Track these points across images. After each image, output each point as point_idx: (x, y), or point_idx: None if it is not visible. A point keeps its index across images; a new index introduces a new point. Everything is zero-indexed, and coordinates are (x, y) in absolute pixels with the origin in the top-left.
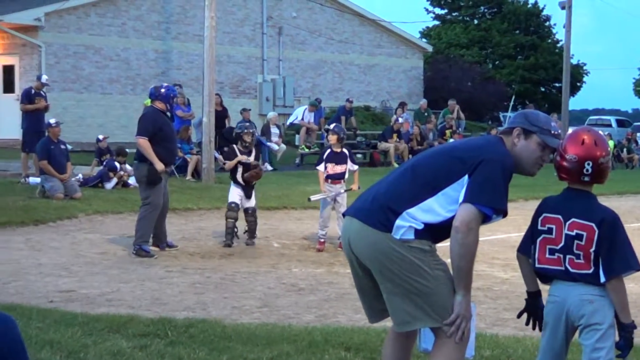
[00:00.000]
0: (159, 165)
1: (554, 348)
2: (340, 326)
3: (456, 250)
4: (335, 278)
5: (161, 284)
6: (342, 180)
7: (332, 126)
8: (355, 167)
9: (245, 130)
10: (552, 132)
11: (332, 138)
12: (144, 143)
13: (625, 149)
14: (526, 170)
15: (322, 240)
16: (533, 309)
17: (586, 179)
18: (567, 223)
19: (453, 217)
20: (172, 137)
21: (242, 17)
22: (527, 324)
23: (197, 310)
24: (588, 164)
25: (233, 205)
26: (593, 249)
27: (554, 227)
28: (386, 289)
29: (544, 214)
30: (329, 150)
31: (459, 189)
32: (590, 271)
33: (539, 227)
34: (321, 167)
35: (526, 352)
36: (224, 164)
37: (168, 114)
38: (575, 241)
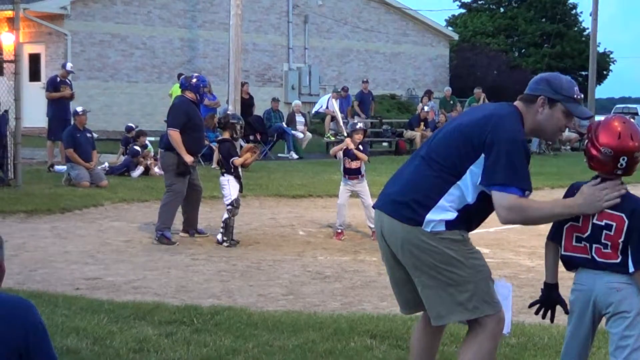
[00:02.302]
0: (188, 158)
1: (580, 336)
2: (366, 314)
3: (535, 222)
4: (361, 266)
5: (187, 272)
6: (359, 176)
7: (358, 125)
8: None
9: (240, 122)
10: (576, 97)
11: (358, 137)
12: (176, 136)
13: None
14: (548, 137)
15: (339, 230)
16: (548, 301)
17: (619, 172)
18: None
19: (482, 199)
20: (201, 127)
21: (268, 5)
22: (536, 313)
23: (223, 297)
24: (623, 159)
25: (239, 202)
26: (622, 239)
27: (580, 215)
28: (421, 283)
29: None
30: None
31: (480, 167)
32: (618, 260)
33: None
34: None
35: (552, 340)
36: (230, 162)
37: (198, 104)
38: (604, 231)
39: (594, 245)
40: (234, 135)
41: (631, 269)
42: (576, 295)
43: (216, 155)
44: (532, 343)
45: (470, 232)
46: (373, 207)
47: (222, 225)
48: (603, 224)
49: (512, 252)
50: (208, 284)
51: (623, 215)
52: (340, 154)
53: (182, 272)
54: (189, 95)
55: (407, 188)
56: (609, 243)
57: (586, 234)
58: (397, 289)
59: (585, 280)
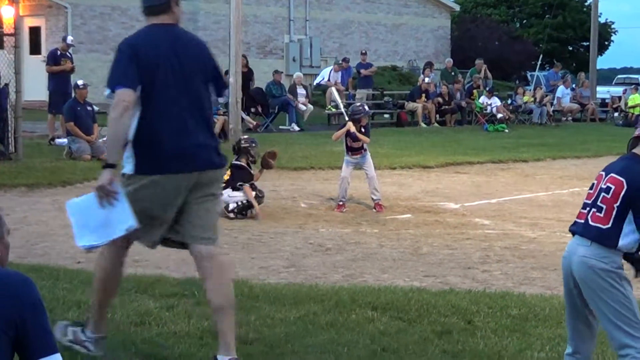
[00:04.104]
0: None
1: (572, 303)
2: (367, 286)
3: None
4: (362, 238)
5: None
6: (362, 151)
7: (362, 110)
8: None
9: (253, 145)
10: None
11: (364, 121)
12: None
13: None
14: None
15: (341, 203)
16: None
17: None
18: (607, 177)
19: None
20: None
21: None
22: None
23: None
24: None
25: (263, 192)
26: (617, 204)
27: (595, 182)
28: None
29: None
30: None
31: None
32: (608, 226)
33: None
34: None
35: (553, 311)
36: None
37: None
38: (603, 194)
39: (592, 210)
40: (249, 159)
41: (620, 241)
42: (562, 262)
43: (217, 128)
44: (534, 314)
45: (471, 203)
46: None
47: (242, 202)
48: (605, 186)
49: (513, 223)
50: None
51: (624, 180)
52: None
53: None
54: None
55: None
56: (604, 206)
57: (592, 199)
58: None
59: (569, 247)
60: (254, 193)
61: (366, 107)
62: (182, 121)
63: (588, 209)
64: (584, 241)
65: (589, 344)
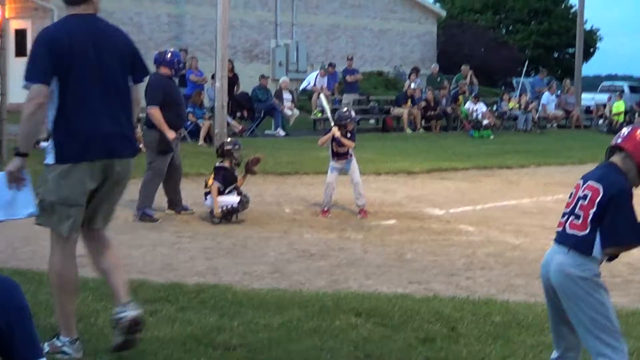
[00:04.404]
0: (170, 134)
1: (554, 308)
2: (351, 292)
3: None
4: (347, 244)
5: (172, 249)
6: (348, 156)
7: (348, 115)
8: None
9: (237, 147)
10: None
11: (350, 127)
12: (156, 112)
13: (637, 114)
14: None
15: (326, 208)
16: None
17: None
18: (584, 185)
19: None
20: (180, 102)
21: None
22: None
23: (208, 275)
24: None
25: (248, 197)
26: (594, 209)
27: (573, 191)
28: None
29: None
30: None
31: None
32: (584, 233)
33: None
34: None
35: (536, 318)
36: (222, 190)
37: (174, 79)
38: (580, 201)
39: (570, 217)
40: (233, 162)
41: (600, 250)
42: (541, 270)
43: (203, 132)
44: (517, 321)
45: (456, 210)
46: None
47: (226, 206)
48: (583, 194)
49: (497, 230)
50: (193, 261)
51: (601, 187)
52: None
53: (167, 249)
54: (164, 70)
55: None
56: (582, 213)
57: (570, 207)
58: None
59: (548, 254)
60: (238, 198)
61: (353, 113)
62: (97, 110)
63: (567, 217)
64: (562, 248)
65: (575, 348)
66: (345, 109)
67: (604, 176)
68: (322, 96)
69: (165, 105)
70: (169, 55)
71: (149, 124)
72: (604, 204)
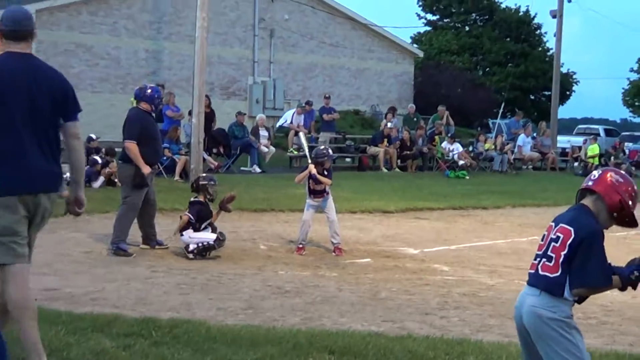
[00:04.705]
0: (145, 169)
1: (528, 350)
2: (325, 329)
3: None
4: (321, 281)
5: (146, 284)
6: (325, 194)
7: (325, 152)
8: (329, 181)
9: (212, 183)
10: None
11: (327, 165)
12: (132, 147)
13: (612, 157)
14: None
15: (301, 245)
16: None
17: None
18: (556, 228)
19: None
20: (157, 137)
21: (234, 18)
22: None
23: (182, 310)
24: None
25: (224, 235)
26: (565, 252)
27: (545, 233)
28: None
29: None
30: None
31: None
32: (555, 275)
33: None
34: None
35: (510, 358)
36: (199, 225)
37: (153, 114)
38: (552, 243)
39: (542, 260)
40: (207, 198)
41: (566, 293)
42: (514, 313)
43: (178, 168)
44: None
45: (431, 249)
46: None
47: (202, 243)
48: (555, 236)
49: (472, 270)
50: (167, 296)
51: (572, 229)
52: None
53: (141, 284)
54: (144, 106)
55: None
56: (554, 255)
57: (543, 249)
58: None
59: (520, 298)
60: (215, 235)
61: (330, 151)
62: (25, 146)
63: (539, 259)
64: (534, 291)
65: None
66: (322, 146)
67: (575, 218)
68: (300, 134)
69: (142, 140)
70: (149, 90)
71: (125, 158)
72: (575, 246)
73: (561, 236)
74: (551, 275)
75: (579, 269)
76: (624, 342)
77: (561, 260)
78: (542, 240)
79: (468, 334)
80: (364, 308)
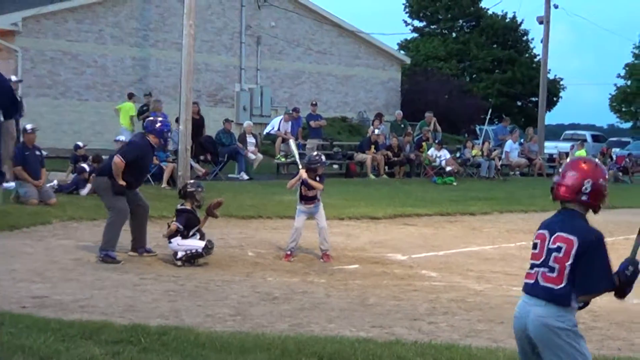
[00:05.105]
0: (121, 182)
1: (527, 359)
2: (314, 335)
3: None
4: (310, 287)
5: (135, 291)
6: (316, 201)
7: (323, 158)
8: (321, 186)
9: (199, 189)
10: None
11: (320, 170)
12: (120, 165)
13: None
14: None
15: (289, 252)
16: None
17: (583, 197)
18: (552, 237)
19: None
20: (145, 172)
21: (221, 25)
22: None
23: (171, 317)
24: (587, 182)
25: (212, 243)
26: (570, 262)
27: (538, 242)
28: None
29: (537, 231)
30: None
31: None
32: (560, 286)
33: (533, 243)
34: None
35: None
36: (187, 232)
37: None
38: (554, 253)
39: (542, 269)
40: (194, 204)
41: (572, 300)
42: (514, 322)
43: (166, 175)
44: None
45: (419, 255)
46: None
47: (190, 250)
48: (555, 246)
49: (460, 275)
50: (156, 303)
51: (575, 238)
52: (298, 182)
53: (130, 291)
54: (152, 139)
55: None
56: (557, 266)
57: (540, 260)
58: None
59: (521, 308)
60: (203, 243)
61: (323, 158)
62: None
63: (537, 269)
64: (538, 301)
65: None
66: (315, 153)
67: (574, 227)
68: (290, 141)
69: (133, 167)
70: (158, 124)
71: (101, 172)
72: (580, 255)
73: (563, 246)
74: (556, 287)
75: (586, 276)
76: (612, 346)
77: (566, 271)
78: (534, 248)
79: (456, 339)
80: (352, 314)
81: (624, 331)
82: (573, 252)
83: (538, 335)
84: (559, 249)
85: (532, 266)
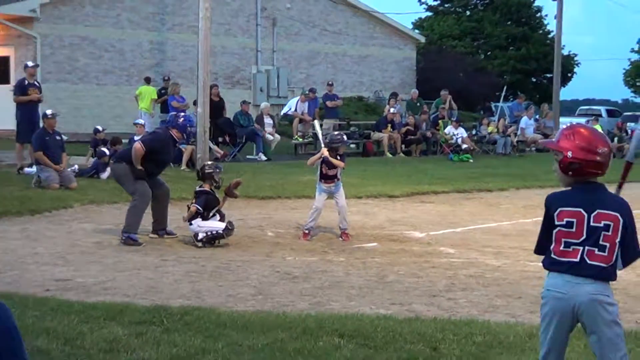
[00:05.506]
0: (139, 167)
1: (560, 342)
2: (334, 313)
3: None
4: (329, 266)
5: (156, 273)
6: (336, 179)
7: (344, 137)
8: (342, 164)
9: (217, 170)
10: None
11: (342, 149)
12: (140, 150)
13: (616, 138)
14: None
15: (307, 232)
16: None
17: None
18: (592, 215)
19: None
20: (168, 161)
21: (237, 7)
22: None
23: (192, 298)
24: (610, 156)
25: (233, 224)
26: (619, 239)
27: (574, 220)
28: None
29: (560, 209)
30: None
31: None
32: (611, 263)
33: (556, 222)
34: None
35: (517, 338)
36: (206, 213)
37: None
38: (603, 233)
39: (587, 248)
40: (213, 185)
41: (620, 267)
42: (555, 302)
43: (185, 157)
44: (498, 341)
45: (436, 232)
46: None
47: (211, 232)
48: (602, 225)
49: (478, 252)
50: (177, 284)
51: (618, 214)
52: (319, 160)
53: (152, 273)
54: (175, 133)
55: None
56: (607, 244)
57: (581, 239)
58: None
59: (567, 289)
60: (224, 224)
61: (345, 137)
62: None
63: (577, 247)
64: (586, 280)
65: None
66: (337, 132)
67: (612, 203)
68: (315, 122)
69: (152, 158)
70: (181, 119)
71: (119, 158)
72: (625, 228)
73: (611, 224)
74: (607, 265)
75: (630, 245)
76: (630, 319)
77: (616, 247)
78: (570, 227)
79: (475, 314)
80: (371, 291)
81: None
82: (620, 228)
83: (591, 312)
84: (606, 228)
85: (569, 244)
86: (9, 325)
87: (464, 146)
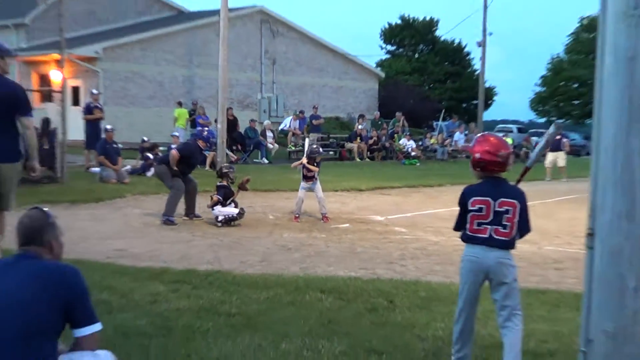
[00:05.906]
0: (175, 167)
1: (474, 295)
2: (318, 275)
3: None
4: (314, 241)
5: (188, 245)
6: (314, 179)
7: (320, 150)
8: (316, 169)
9: (232, 170)
10: None
11: (318, 158)
12: (176, 156)
13: (523, 148)
14: None
15: (297, 215)
16: None
17: (509, 168)
18: (497, 202)
19: None
20: (196, 163)
21: (246, 51)
22: None
23: (214, 263)
24: (510, 158)
25: (244, 210)
26: (516, 219)
27: (483, 206)
28: None
29: (473, 198)
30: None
31: None
32: (512, 237)
33: (470, 208)
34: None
35: (450, 294)
36: (225, 201)
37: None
38: (505, 215)
39: (494, 227)
40: (229, 181)
41: (517, 238)
42: (470, 264)
43: (208, 161)
44: (436, 296)
45: (393, 216)
46: None
47: (228, 215)
48: (503, 209)
49: (421, 231)
50: (203, 254)
51: (516, 201)
52: (300, 165)
53: (184, 245)
54: (201, 143)
55: None
56: (509, 224)
57: (488, 219)
58: None
59: (480, 254)
60: (237, 210)
61: (320, 149)
62: None
63: (487, 226)
64: (494, 249)
65: (474, 319)
66: (315, 145)
67: (511, 191)
68: (307, 139)
69: (184, 161)
70: (205, 133)
71: (161, 161)
72: (521, 211)
73: (511, 209)
74: (508, 239)
75: (525, 224)
76: (531, 280)
77: (515, 226)
78: (480, 211)
79: (420, 276)
80: (345, 259)
81: (539, 269)
82: (518, 211)
83: (498, 271)
84: (507, 211)
85: (480, 224)
86: (82, 285)
87: (413, 154)
